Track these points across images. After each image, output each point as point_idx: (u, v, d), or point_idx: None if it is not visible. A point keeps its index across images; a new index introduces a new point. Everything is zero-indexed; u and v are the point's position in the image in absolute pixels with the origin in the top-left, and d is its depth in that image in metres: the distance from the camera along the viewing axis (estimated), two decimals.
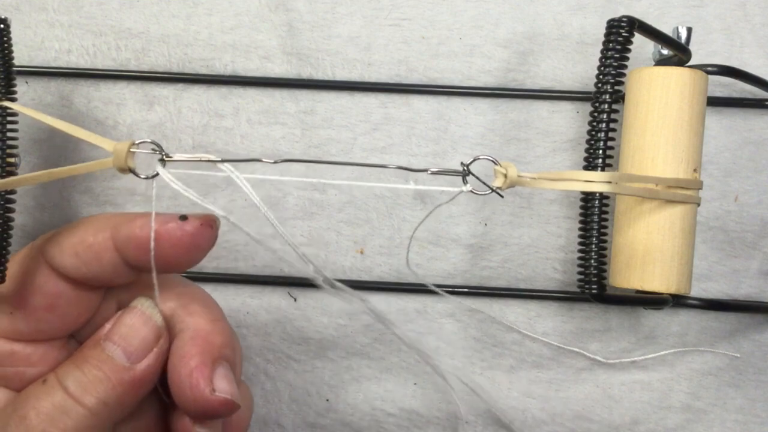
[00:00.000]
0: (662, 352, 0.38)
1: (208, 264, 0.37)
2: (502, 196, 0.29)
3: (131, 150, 0.26)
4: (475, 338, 0.38)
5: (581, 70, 0.38)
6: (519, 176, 0.28)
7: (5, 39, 0.31)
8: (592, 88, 0.38)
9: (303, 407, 0.37)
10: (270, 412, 0.37)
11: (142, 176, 0.26)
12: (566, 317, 0.38)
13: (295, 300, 0.37)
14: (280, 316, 0.37)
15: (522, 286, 0.38)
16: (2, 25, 0.31)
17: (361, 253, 0.37)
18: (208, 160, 0.27)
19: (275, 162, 0.27)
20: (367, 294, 0.37)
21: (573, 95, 0.38)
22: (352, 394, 0.37)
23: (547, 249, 0.38)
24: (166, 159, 0.26)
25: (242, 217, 0.37)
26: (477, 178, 0.28)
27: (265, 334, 0.37)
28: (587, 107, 0.38)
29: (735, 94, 0.38)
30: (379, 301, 0.37)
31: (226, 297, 0.37)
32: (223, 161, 0.27)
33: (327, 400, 0.37)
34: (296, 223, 0.37)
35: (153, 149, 0.26)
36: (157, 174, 0.26)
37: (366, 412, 0.37)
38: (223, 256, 0.37)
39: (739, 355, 0.38)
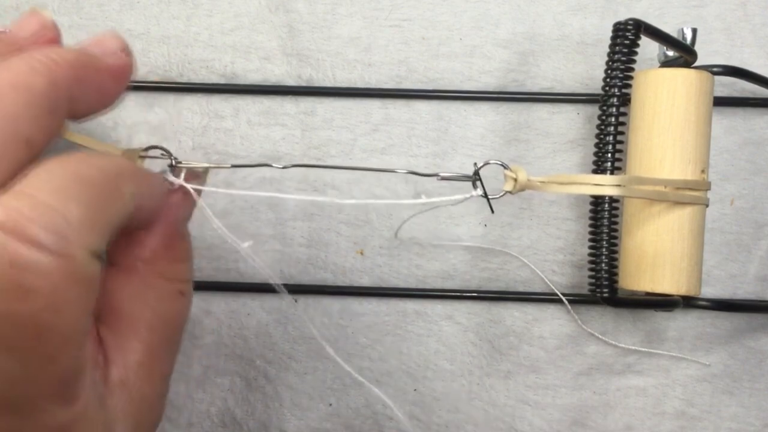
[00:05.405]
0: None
1: (208, 265, 0.37)
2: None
3: (141, 156, 0.26)
4: (472, 342, 0.38)
5: (582, 70, 0.38)
6: (529, 180, 0.28)
7: None
8: (593, 89, 0.38)
9: (306, 412, 0.37)
10: (271, 418, 0.37)
11: None
12: (564, 320, 0.38)
13: (295, 301, 0.38)
14: (281, 317, 0.38)
15: (521, 288, 0.38)
16: None
17: (361, 254, 0.38)
18: (218, 167, 0.27)
19: (284, 167, 0.27)
20: (367, 296, 0.38)
21: (573, 97, 0.38)
22: (354, 397, 0.37)
23: (546, 251, 0.38)
24: (176, 165, 0.26)
25: (242, 218, 0.37)
26: (483, 187, 0.28)
27: (267, 335, 0.37)
28: (587, 108, 0.38)
29: (736, 94, 0.38)
30: (379, 302, 0.38)
31: (227, 298, 0.37)
32: (232, 167, 0.27)
33: (330, 404, 0.38)
34: (296, 224, 0.37)
35: (162, 154, 0.26)
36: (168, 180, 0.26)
37: (367, 416, 0.37)
38: (223, 257, 0.37)
39: (709, 363, 0.38)
